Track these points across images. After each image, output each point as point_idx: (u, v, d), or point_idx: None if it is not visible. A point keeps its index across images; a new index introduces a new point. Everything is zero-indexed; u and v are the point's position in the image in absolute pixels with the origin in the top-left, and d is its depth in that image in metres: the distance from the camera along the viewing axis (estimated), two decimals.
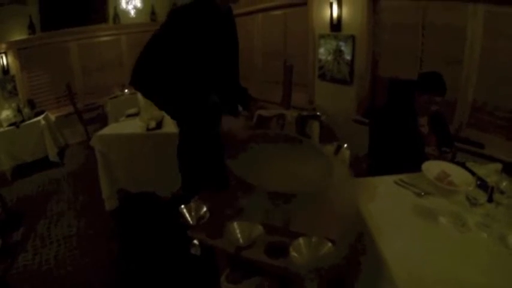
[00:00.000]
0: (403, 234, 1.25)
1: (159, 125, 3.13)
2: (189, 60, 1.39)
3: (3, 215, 3.49)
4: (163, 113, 3.21)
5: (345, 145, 1.65)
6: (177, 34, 1.38)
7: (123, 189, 3.31)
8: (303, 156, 1.28)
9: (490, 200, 1.34)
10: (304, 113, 1.67)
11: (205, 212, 1.08)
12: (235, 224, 1.01)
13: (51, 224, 3.35)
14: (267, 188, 1.02)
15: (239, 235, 1.01)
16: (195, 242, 1.06)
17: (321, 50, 4.10)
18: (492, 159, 2.68)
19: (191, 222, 1.07)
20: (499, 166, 1.86)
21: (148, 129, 3.10)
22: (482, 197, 1.31)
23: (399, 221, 1.33)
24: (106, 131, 3.41)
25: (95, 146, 3.19)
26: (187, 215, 1.09)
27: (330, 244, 0.97)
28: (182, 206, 1.08)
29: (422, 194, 1.51)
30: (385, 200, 1.48)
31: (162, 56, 1.37)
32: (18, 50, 5.53)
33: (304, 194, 1.08)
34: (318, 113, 1.68)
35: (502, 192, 1.30)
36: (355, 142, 3.75)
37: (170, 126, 3.04)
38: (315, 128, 1.59)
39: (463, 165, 1.87)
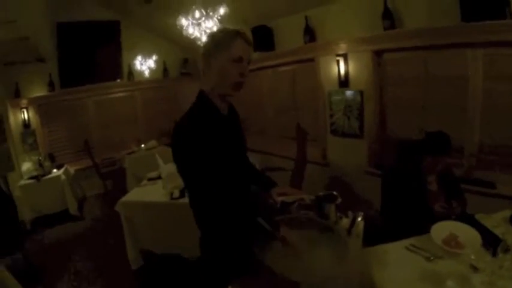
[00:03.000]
0: None
1: (183, 193, 3.20)
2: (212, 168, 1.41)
3: (25, 268, 3.62)
4: None
5: (360, 218, 1.86)
6: (188, 147, 1.40)
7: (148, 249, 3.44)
8: (324, 242, 1.50)
9: (494, 254, 1.52)
10: (321, 194, 1.89)
11: None
12: None
13: (74, 280, 3.47)
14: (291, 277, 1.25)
15: None
16: None
17: (331, 106, 4.37)
18: (504, 197, 2.87)
19: None
20: (507, 214, 2.04)
21: (172, 198, 3.21)
22: (484, 259, 1.50)
23: (409, 287, 1.51)
24: (130, 197, 3.58)
25: (120, 211, 3.37)
26: None
27: None
28: None
29: (432, 258, 1.69)
30: (397, 267, 1.66)
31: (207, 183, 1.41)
32: (39, 105, 6.02)
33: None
34: (334, 193, 1.89)
35: (506, 251, 1.47)
36: (367, 193, 4.00)
37: None
38: (331, 208, 1.82)
39: (472, 218, 2.05)
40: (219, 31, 1.51)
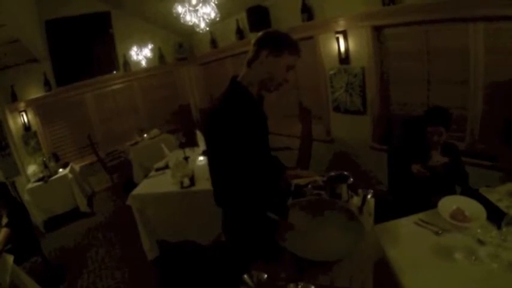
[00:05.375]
0: (423, 274, 1.54)
1: (192, 181, 3.31)
2: (243, 155, 1.55)
3: (45, 270, 3.79)
4: (194, 169, 3.49)
5: (370, 195, 2.00)
6: (229, 140, 1.51)
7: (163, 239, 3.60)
8: (341, 223, 1.65)
9: (499, 227, 1.62)
10: (332, 174, 2.02)
11: (265, 278, 1.45)
12: (292, 285, 1.38)
13: (95, 276, 3.65)
14: (313, 258, 1.41)
15: None
16: None
17: (333, 84, 4.45)
18: (506, 170, 2.95)
19: (253, 287, 1.44)
20: (510, 187, 2.15)
21: (183, 187, 3.30)
22: (489, 232, 1.61)
23: (419, 261, 1.63)
24: (140, 189, 3.64)
25: (131, 204, 3.48)
26: (249, 281, 1.45)
27: None
28: (245, 276, 1.44)
29: (440, 232, 1.82)
30: (407, 241, 1.80)
31: (229, 167, 1.54)
32: (37, 106, 6.10)
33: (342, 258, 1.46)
34: (346, 173, 2.01)
35: (510, 224, 1.56)
36: (373, 168, 4.13)
37: (203, 182, 3.28)
38: (343, 188, 1.94)
39: (476, 192, 2.18)
40: (284, 35, 1.61)
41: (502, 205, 1.95)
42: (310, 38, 4.58)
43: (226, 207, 1.69)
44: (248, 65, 1.64)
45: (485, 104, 3.20)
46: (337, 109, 4.54)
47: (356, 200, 2.00)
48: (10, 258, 2.83)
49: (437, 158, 2.49)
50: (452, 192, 2.07)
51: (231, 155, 1.53)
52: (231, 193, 1.57)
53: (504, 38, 2.93)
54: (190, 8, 3.78)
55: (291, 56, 1.59)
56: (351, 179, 1.95)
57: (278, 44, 1.57)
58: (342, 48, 4.15)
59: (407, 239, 1.83)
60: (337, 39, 4.14)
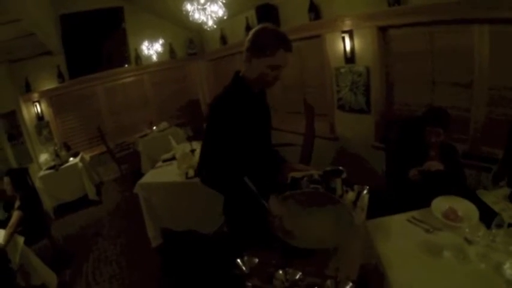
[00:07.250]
0: (410, 270, 1.57)
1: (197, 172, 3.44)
2: (236, 143, 1.65)
3: (53, 253, 3.95)
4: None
5: (365, 191, 2.04)
6: (223, 126, 1.62)
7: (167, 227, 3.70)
8: (332, 213, 1.70)
9: (488, 227, 1.64)
10: (328, 169, 2.06)
11: (257, 263, 1.50)
12: (281, 271, 1.44)
13: (100, 261, 3.76)
14: (301, 246, 1.47)
15: (283, 279, 1.43)
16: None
17: (338, 83, 4.46)
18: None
19: (245, 271, 1.50)
20: (507, 191, 2.12)
21: (187, 178, 3.40)
22: (477, 232, 1.61)
23: (409, 257, 1.66)
24: (147, 179, 3.77)
25: (138, 193, 3.59)
26: (242, 265, 1.51)
27: (351, 284, 1.37)
28: (238, 260, 1.50)
29: (431, 230, 1.84)
30: (398, 238, 1.82)
31: (217, 150, 1.64)
32: (50, 97, 6.25)
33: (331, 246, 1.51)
34: (340, 168, 2.05)
35: (499, 225, 1.57)
36: (375, 166, 4.14)
37: None
38: (338, 182, 1.98)
39: (473, 193, 2.19)
40: (265, 35, 1.62)
41: (497, 207, 1.94)
42: (318, 36, 4.59)
43: (209, 185, 1.77)
44: (243, 64, 1.71)
45: (489, 106, 3.18)
46: (341, 107, 4.55)
47: (351, 195, 2.04)
48: (21, 240, 2.95)
49: (434, 164, 2.46)
50: (448, 193, 2.07)
51: (223, 140, 1.63)
52: (215, 174, 1.69)
53: (509, 41, 2.90)
54: (199, 6, 3.84)
55: (271, 58, 1.60)
56: (345, 174, 1.99)
57: (257, 46, 1.61)
58: (348, 48, 4.15)
59: (397, 235, 1.86)
60: (343, 38, 4.14)
